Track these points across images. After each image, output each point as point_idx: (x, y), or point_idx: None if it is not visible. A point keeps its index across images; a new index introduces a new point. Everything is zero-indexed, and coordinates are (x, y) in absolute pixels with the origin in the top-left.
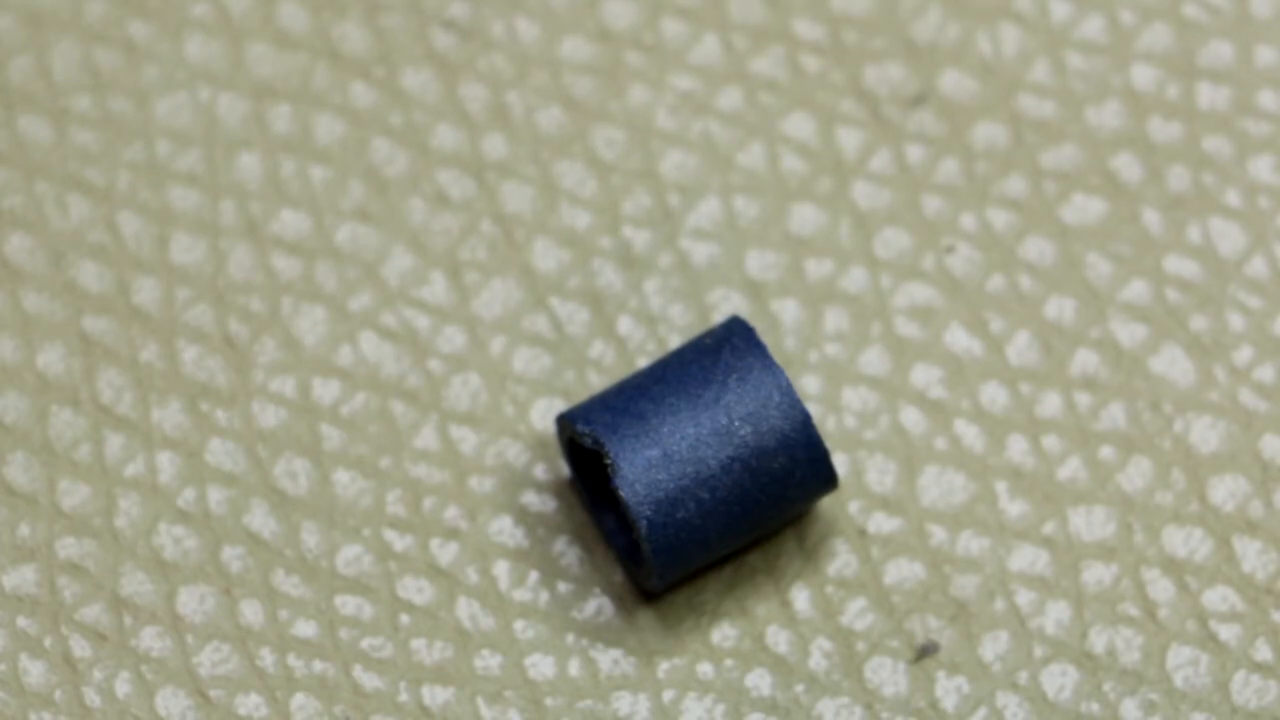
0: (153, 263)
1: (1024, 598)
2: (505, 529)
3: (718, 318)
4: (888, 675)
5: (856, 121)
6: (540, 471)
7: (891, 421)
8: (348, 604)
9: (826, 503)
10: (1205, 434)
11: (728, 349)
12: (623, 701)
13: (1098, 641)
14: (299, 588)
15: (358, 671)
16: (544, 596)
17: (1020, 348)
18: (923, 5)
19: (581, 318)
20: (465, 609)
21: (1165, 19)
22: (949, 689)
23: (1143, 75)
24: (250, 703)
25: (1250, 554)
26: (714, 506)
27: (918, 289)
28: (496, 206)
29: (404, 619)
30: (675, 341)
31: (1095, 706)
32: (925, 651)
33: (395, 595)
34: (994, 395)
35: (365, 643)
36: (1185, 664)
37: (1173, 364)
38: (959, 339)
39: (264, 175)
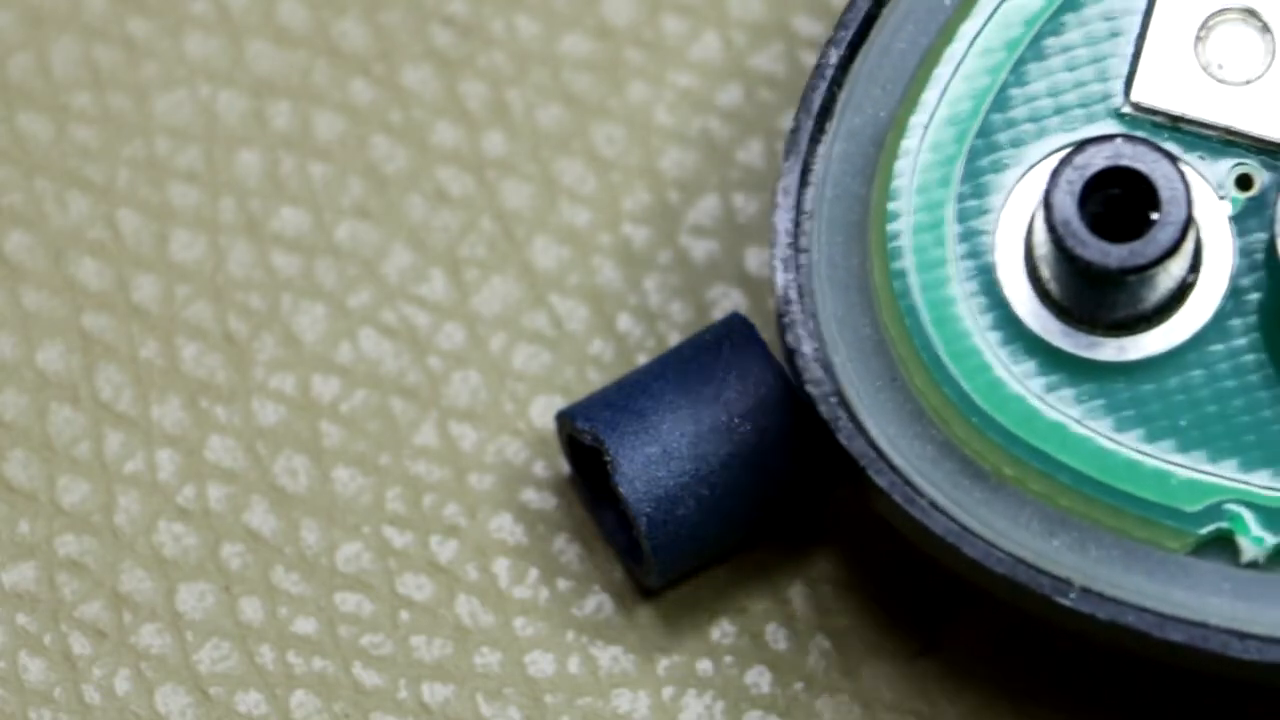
0: (152, 260)
1: None
2: (505, 526)
3: (717, 314)
4: (887, 674)
5: None
6: (540, 468)
7: None
8: (347, 601)
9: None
10: None
11: (728, 345)
12: (622, 699)
13: None
14: (298, 585)
15: (357, 668)
16: (543, 593)
17: None
18: None
19: (581, 315)
20: (465, 606)
21: None
22: (948, 688)
23: None
24: (250, 700)
25: None
26: (714, 504)
27: None
28: (496, 203)
29: (404, 616)
30: (675, 338)
31: None
32: (925, 650)
33: (395, 592)
34: None
35: (365, 640)
36: None
37: None
38: None
39: (263, 172)
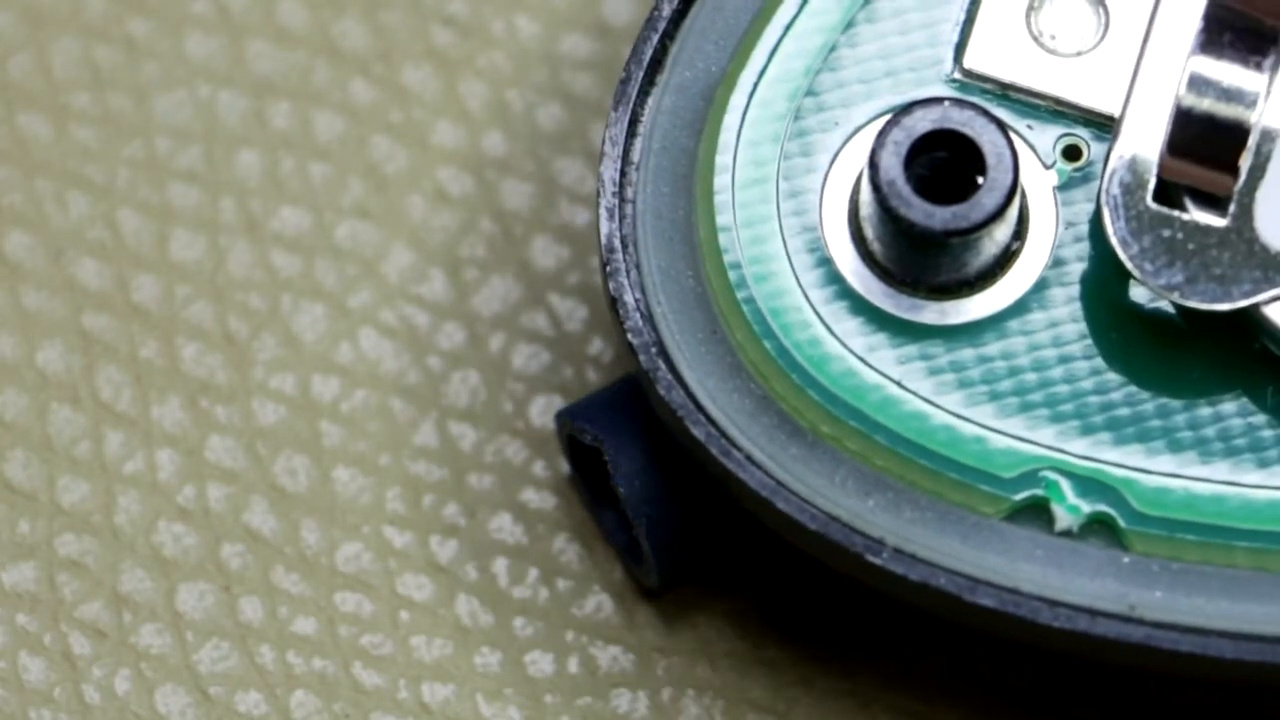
0: (152, 260)
1: None
2: (504, 526)
3: None
4: (886, 674)
5: None
6: (539, 468)
7: None
8: (347, 601)
9: None
10: None
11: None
12: (622, 699)
13: None
14: (298, 585)
15: (357, 668)
16: (543, 593)
17: None
18: None
19: (580, 315)
20: (464, 606)
21: None
22: (948, 688)
23: None
24: (250, 700)
25: None
26: (714, 504)
27: None
28: (496, 203)
29: (404, 616)
30: None
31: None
32: (925, 650)
33: (395, 592)
34: None
35: (365, 640)
36: None
37: None
38: None
39: (263, 172)
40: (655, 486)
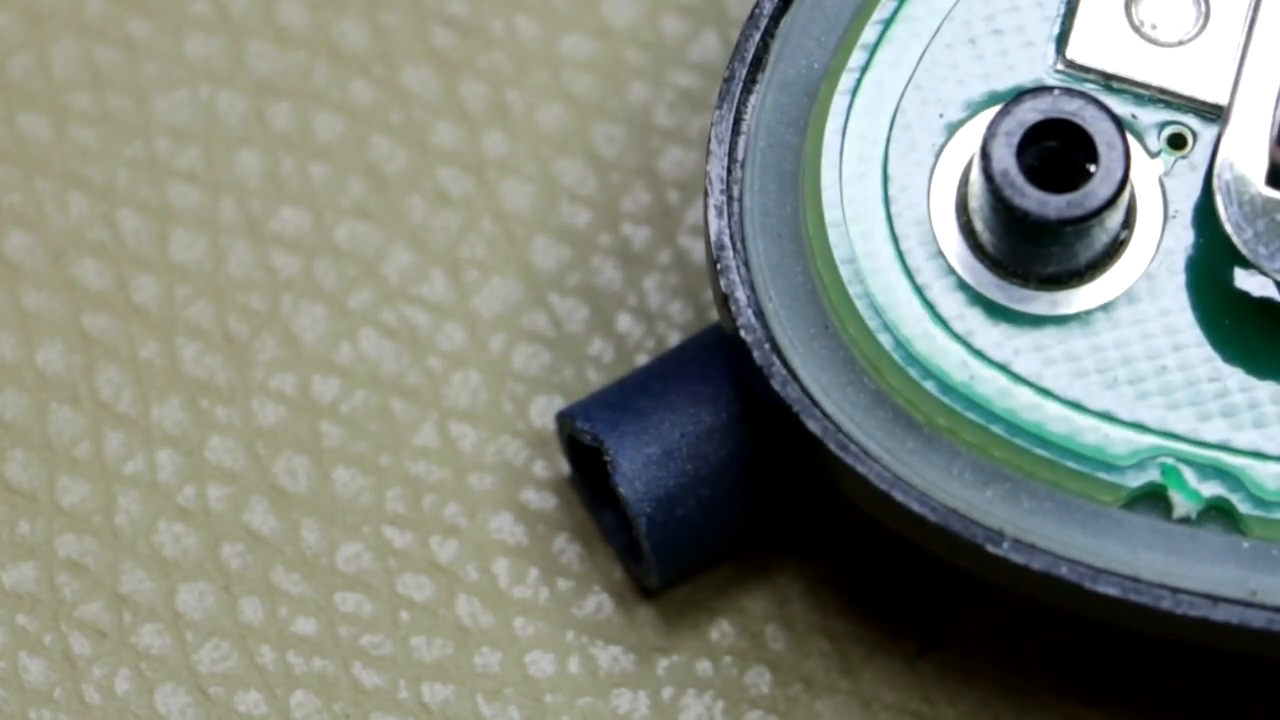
0: (152, 260)
1: None
2: (505, 526)
3: (717, 315)
4: (887, 674)
5: None
6: (540, 469)
7: None
8: (347, 601)
9: None
10: None
11: (727, 345)
12: (622, 699)
13: None
14: (298, 585)
15: (357, 669)
16: (543, 593)
17: None
18: None
19: (581, 315)
20: (465, 606)
21: None
22: (948, 688)
23: None
24: (250, 700)
25: None
26: (714, 504)
27: None
28: (496, 204)
29: (404, 616)
30: (674, 339)
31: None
32: (925, 650)
33: (395, 592)
34: None
35: (365, 640)
36: None
37: None
38: None
39: (263, 172)
40: (655, 486)
